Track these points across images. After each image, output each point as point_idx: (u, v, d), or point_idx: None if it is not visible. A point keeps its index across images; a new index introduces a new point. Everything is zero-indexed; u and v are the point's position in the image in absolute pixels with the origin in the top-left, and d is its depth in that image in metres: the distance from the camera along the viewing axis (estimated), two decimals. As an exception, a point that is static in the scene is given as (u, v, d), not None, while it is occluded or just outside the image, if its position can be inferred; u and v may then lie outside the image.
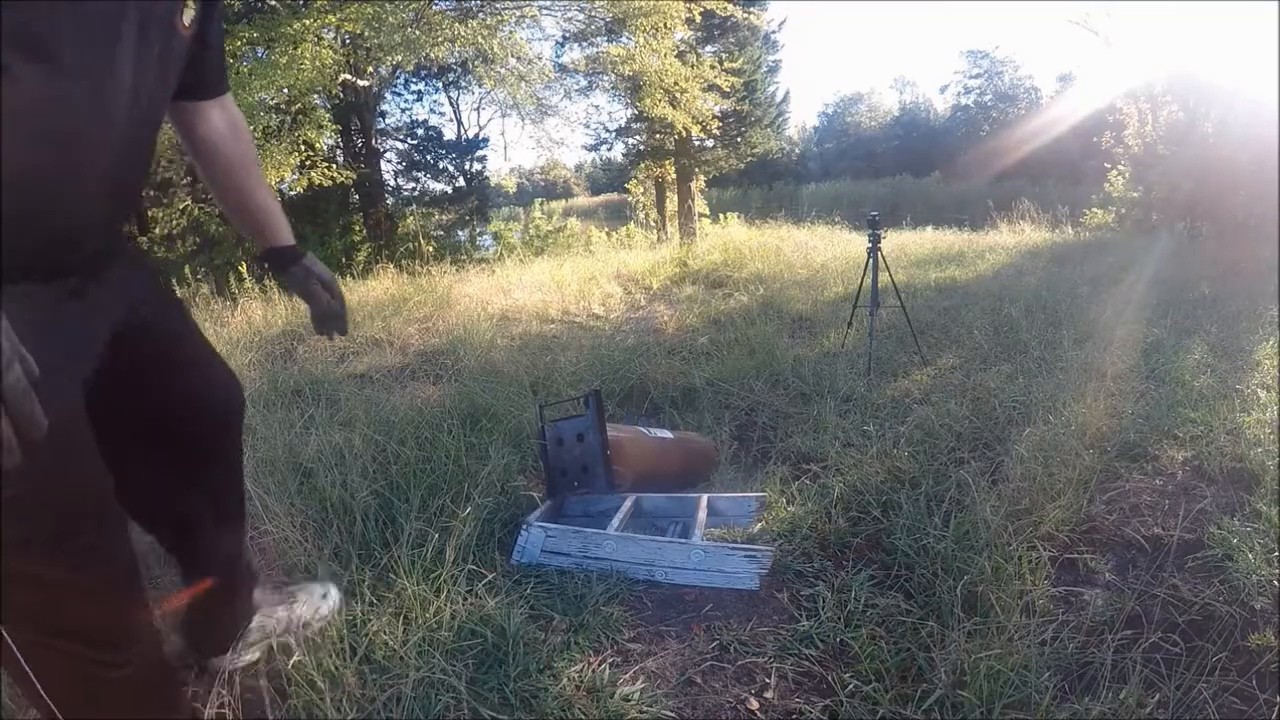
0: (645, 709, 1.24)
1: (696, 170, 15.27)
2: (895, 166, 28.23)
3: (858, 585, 1.57)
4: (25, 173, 0.77)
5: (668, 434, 2.33)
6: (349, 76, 8.60)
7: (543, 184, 45.42)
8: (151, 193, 8.63)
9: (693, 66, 10.28)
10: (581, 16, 9.39)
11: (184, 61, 0.98)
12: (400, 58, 7.62)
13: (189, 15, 0.89)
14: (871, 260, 3.47)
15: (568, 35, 10.82)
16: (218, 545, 1.22)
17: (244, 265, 6.29)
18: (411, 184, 14.94)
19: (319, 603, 1.40)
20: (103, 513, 0.91)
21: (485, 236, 14.09)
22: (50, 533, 0.85)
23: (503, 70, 8.96)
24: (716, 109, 12.38)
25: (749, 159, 17.35)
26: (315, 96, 8.46)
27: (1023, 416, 2.49)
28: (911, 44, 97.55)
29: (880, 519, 1.85)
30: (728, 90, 11.64)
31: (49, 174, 0.81)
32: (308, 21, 7.02)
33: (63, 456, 0.81)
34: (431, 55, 7.52)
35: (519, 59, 8.93)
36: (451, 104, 15.53)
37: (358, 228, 11.86)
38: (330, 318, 1.26)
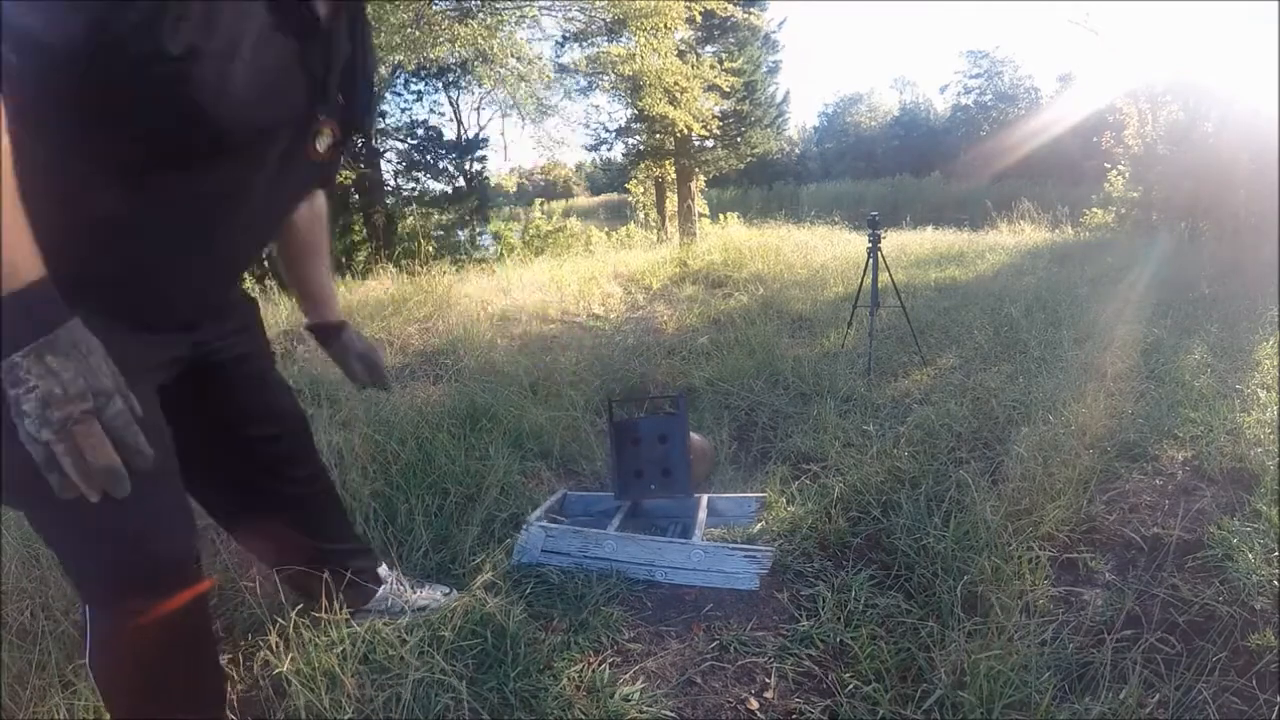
0: (645, 709, 1.24)
1: (696, 170, 15.27)
2: (895, 166, 28.20)
3: (858, 585, 1.57)
4: (173, 250, 0.91)
5: (696, 435, 2.31)
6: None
7: (543, 184, 45.32)
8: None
9: (693, 66, 10.27)
10: (582, 17, 9.38)
11: (313, 178, 1.10)
12: (400, 58, 7.61)
13: (323, 143, 0.99)
14: (871, 260, 3.47)
15: (568, 35, 10.81)
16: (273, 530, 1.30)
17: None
18: (411, 184, 14.94)
19: (438, 597, 1.53)
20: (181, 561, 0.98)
21: (485, 236, 14.11)
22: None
23: (502, 70, 8.96)
24: (716, 109, 12.38)
25: (749, 159, 17.34)
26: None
27: (1023, 416, 2.48)
28: (911, 44, 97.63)
29: (880, 519, 1.85)
30: (728, 90, 11.65)
31: (192, 253, 0.94)
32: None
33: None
34: (431, 55, 7.51)
35: (519, 59, 8.92)
36: (451, 104, 15.54)
37: (357, 228, 11.87)
38: (365, 385, 1.40)
